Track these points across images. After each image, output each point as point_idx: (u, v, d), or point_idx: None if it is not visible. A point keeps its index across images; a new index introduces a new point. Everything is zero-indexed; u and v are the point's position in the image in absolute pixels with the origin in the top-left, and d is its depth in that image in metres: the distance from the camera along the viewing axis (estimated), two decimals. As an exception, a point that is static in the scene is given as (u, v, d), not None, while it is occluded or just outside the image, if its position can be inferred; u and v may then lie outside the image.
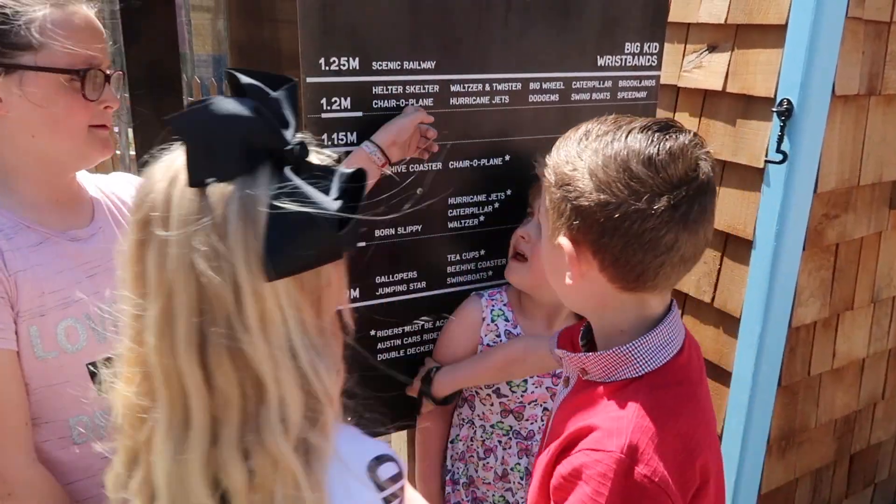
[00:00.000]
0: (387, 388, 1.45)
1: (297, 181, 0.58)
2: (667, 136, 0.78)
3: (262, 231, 0.57)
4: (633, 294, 0.81)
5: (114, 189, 1.14)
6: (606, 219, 0.77)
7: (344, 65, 1.22)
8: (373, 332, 1.42)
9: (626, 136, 0.79)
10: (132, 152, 4.22)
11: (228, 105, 0.59)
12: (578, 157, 0.81)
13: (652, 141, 0.78)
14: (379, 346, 1.44)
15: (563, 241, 0.81)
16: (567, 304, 0.93)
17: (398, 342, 1.45)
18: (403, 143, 1.25)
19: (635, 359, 0.81)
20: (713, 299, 1.94)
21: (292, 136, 0.62)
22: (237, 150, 0.59)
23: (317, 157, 0.65)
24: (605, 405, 0.81)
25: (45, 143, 0.99)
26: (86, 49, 0.96)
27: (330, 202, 0.58)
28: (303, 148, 0.61)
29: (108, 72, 1.01)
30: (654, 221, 0.76)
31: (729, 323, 1.92)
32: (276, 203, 0.57)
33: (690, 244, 0.78)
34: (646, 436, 0.75)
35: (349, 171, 0.62)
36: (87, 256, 1.02)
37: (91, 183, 1.12)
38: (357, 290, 1.37)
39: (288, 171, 0.59)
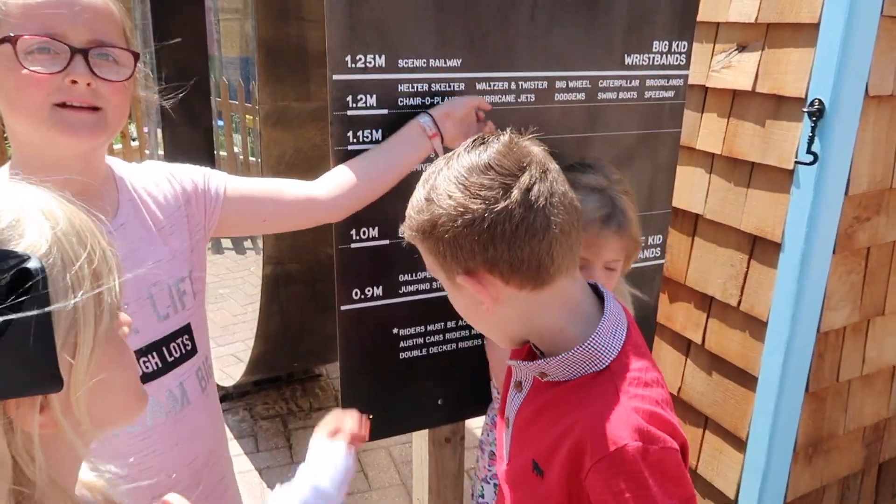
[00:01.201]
0: (408, 388, 1.46)
1: None
2: (488, 144, 0.84)
3: None
4: (546, 289, 0.84)
5: (144, 183, 1.10)
6: (481, 234, 0.80)
7: (370, 62, 1.22)
8: (395, 331, 1.42)
9: (456, 161, 0.84)
10: (161, 152, 4.28)
11: None
12: (428, 202, 0.84)
13: (478, 152, 0.83)
14: (402, 344, 1.44)
15: (460, 279, 0.84)
16: (499, 340, 0.93)
17: (420, 341, 1.45)
18: (458, 120, 1.25)
19: (599, 353, 0.83)
20: (740, 303, 1.91)
21: None
22: None
23: None
24: (583, 401, 0.83)
25: (12, 125, 0.92)
26: (44, 22, 0.88)
27: None
28: None
29: (80, 46, 0.91)
30: (519, 212, 0.80)
31: (755, 327, 1.89)
32: None
33: (561, 217, 0.82)
34: (643, 415, 0.79)
35: (20, 263, 0.45)
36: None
37: (124, 175, 1.08)
38: (380, 287, 1.37)
39: None
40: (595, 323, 0.85)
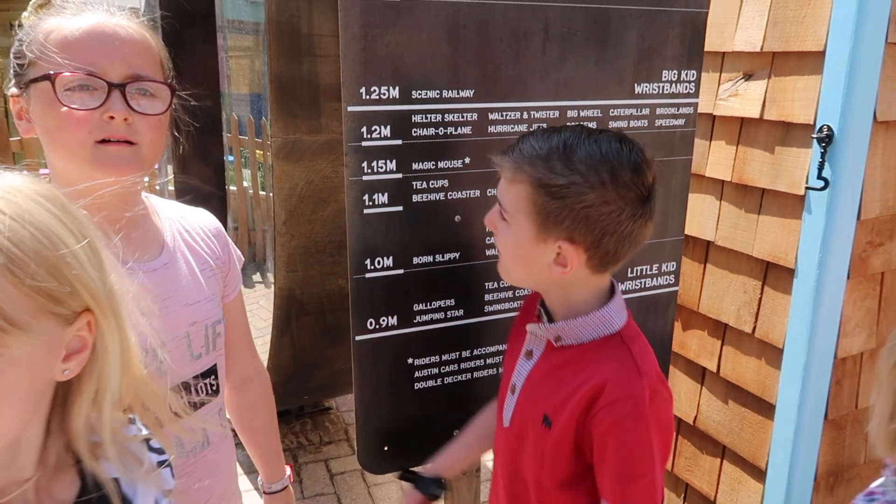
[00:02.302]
0: (423, 419, 1.45)
1: None
2: (634, 147, 0.96)
3: None
4: (600, 274, 0.99)
5: (191, 223, 1.10)
6: (611, 224, 0.92)
7: (384, 94, 1.24)
8: (410, 361, 1.42)
9: (606, 145, 0.93)
10: (171, 188, 4.33)
11: None
12: (569, 168, 0.92)
13: (630, 150, 0.94)
14: (416, 374, 1.43)
15: (560, 243, 0.94)
16: (523, 283, 1.10)
17: (435, 371, 1.44)
18: None
19: (612, 318, 0.99)
20: (754, 329, 1.90)
21: None
22: None
23: None
24: (599, 357, 0.97)
25: (53, 161, 0.94)
26: (82, 57, 0.89)
27: None
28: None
29: (118, 81, 0.92)
30: (642, 222, 0.94)
31: (771, 354, 1.87)
32: None
33: (646, 234, 0.97)
34: (648, 373, 0.95)
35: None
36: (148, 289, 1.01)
37: (166, 212, 1.08)
38: (395, 317, 1.37)
39: None
40: (606, 301, 1.00)
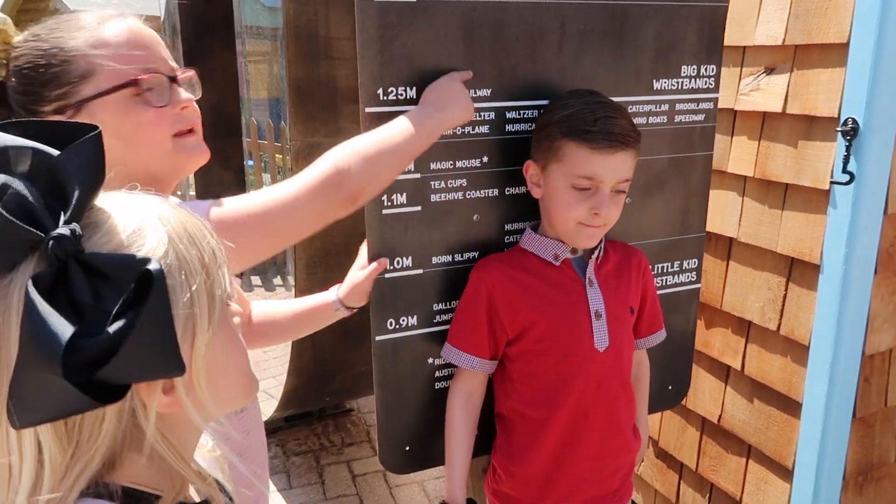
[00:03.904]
0: (444, 420, 1.44)
1: (33, 297, 0.46)
2: None
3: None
4: None
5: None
6: None
7: (402, 94, 1.24)
8: (430, 361, 1.42)
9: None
10: (192, 192, 4.38)
11: None
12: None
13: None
14: (437, 374, 1.43)
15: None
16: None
17: (455, 370, 1.44)
18: (361, 291, 1.31)
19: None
20: (779, 326, 1.87)
21: (72, 214, 0.50)
22: None
23: (119, 234, 0.54)
24: (620, 247, 1.40)
25: (135, 166, 0.92)
26: (134, 59, 0.92)
27: (60, 328, 0.46)
28: (67, 239, 0.49)
29: (172, 74, 0.96)
30: None
31: (797, 351, 1.84)
32: None
33: None
34: None
35: (143, 266, 0.50)
36: None
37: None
38: (415, 317, 1.37)
39: (25, 283, 0.47)
40: None
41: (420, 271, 1.36)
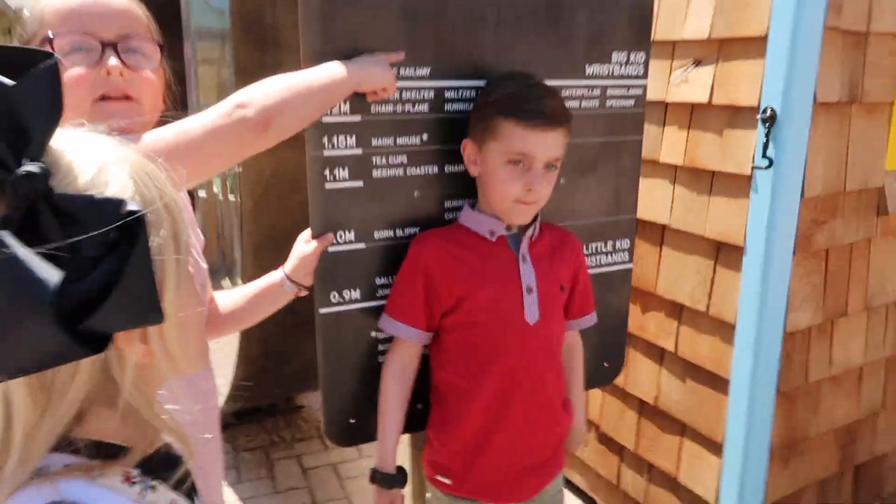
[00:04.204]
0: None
1: (8, 241, 0.42)
2: None
3: None
4: None
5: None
6: None
7: (343, 71, 1.28)
8: (373, 334, 1.45)
9: None
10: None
11: None
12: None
13: None
14: (379, 347, 1.47)
15: None
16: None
17: (399, 344, 1.48)
18: (307, 266, 1.35)
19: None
20: (708, 308, 1.97)
21: (33, 163, 0.46)
22: None
23: (83, 175, 0.50)
24: (553, 229, 1.46)
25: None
26: (76, 23, 0.97)
27: (46, 274, 0.42)
28: (38, 178, 0.45)
29: (108, 40, 0.99)
30: None
31: (725, 331, 1.94)
32: None
33: None
34: None
35: (121, 207, 0.47)
36: None
37: None
38: (358, 291, 1.41)
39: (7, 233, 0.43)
40: None
41: (363, 246, 1.40)
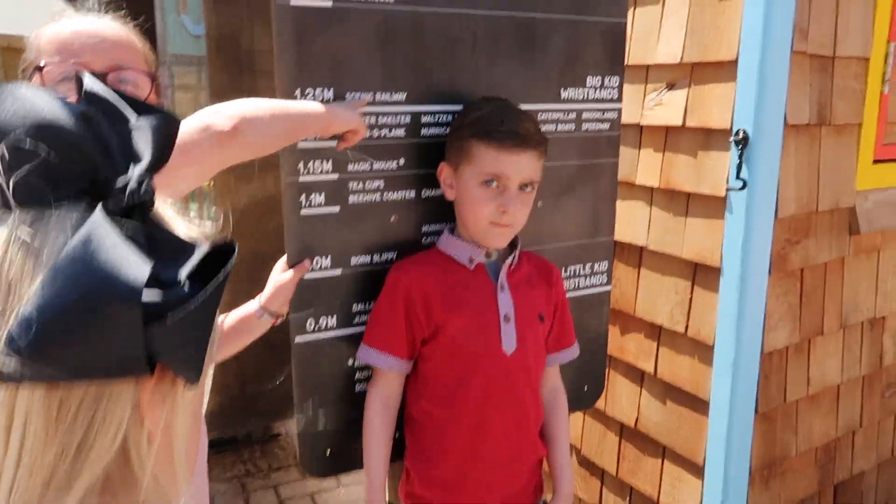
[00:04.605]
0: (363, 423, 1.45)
1: (111, 228, 0.39)
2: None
3: (30, 293, 0.38)
4: None
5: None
6: None
7: (319, 96, 1.28)
8: (350, 362, 1.43)
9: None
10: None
11: (30, 95, 0.42)
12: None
13: None
14: (357, 375, 1.44)
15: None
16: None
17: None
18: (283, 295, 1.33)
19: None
20: (687, 329, 1.97)
21: (138, 175, 0.44)
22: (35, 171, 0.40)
23: (174, 222, 0.49)
24: (532, 257, 1.46)
25: None
26: (69, 53, 1.00)
27: (138, 266, 0.39)
28: (145, 192, 0.43)
29: (99, 70, 1.01)
30: None
31: (703, 352, 1.94)
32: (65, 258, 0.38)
33: None
34: None
35: (211, 247, 0.45)
36: None
37: None
38: (334, 318, 1.39)
39: (102, 213, 0.40)
40: None
41: (339, 272, 1.38)
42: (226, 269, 0.43)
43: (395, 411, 1.40)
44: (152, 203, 0.45)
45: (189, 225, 0.50)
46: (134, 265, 0.38)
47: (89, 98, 0.45)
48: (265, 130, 1.14)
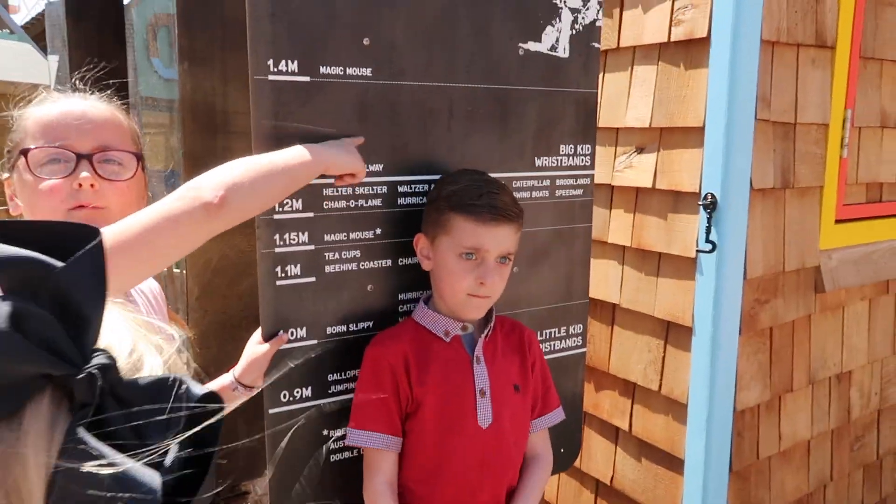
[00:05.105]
0: (341, 493, 1.43)
1: (84, 436, 0.39)
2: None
3: None
4: None
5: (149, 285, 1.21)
6: None
7: (296, 169, 1.28)
8: (325, 432, 1.41)
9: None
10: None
11: None
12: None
13: None
14: (332, 445, 1.42)
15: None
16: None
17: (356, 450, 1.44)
18: (258, 369, 1.31)
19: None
20: (660, 387, 1.98)
21: (91, 338, 0.42)
22: None
23: (120, 358, 0.46)
24: (505, 322, 1.44)
25: None
26: (55, 135, 1.02)
27: (149, 477, 0.40)
28: (109, 369, 0.42)
29: (84, 152, 1.03)
30: None
31: (677, 409, 1.96)
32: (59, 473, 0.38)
33: None
34: None
35: (198, 394, 0.45)
36: None
37: None
38: (309, 388, 1.37)
39: (65, 430, 0.39)
40: None
41: (314, 342, 1.37)
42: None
43: (396, 496, 1.32)
44: (110, 376, 0.43)
45: (134, 352, 0.49)
46: (145, 487, 0.39)
47: (13, 267, 0.40)
48: (256, 194, 1.10)
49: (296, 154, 1.17)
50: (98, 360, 0.41)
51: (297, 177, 1.17)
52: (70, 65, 3.02)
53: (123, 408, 0.42)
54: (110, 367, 0.42)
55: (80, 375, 0.40)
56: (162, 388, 0.44)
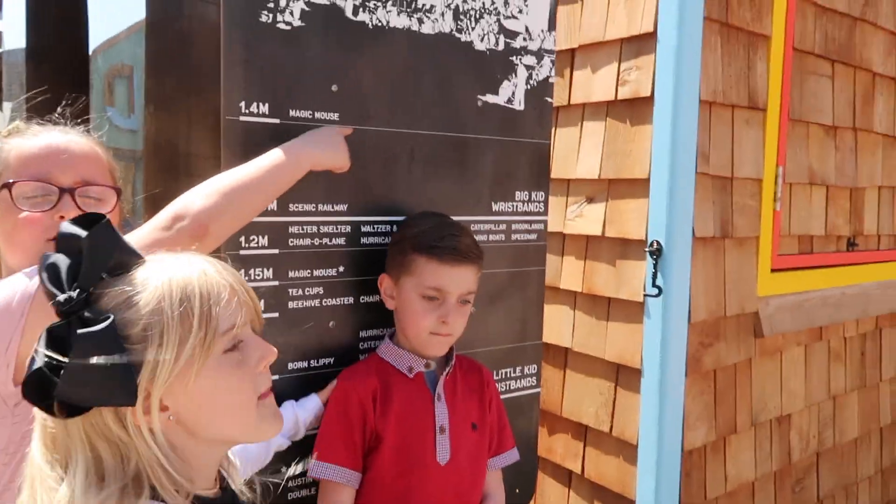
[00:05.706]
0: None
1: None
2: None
3: None
4: None
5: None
6: None
7: (263, 206, 1.32)
8: (283, 469, 1.41)
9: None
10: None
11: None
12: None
13: None
14: (290, 483, 1.42)
15: None
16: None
17: (311, 480, 1.44)
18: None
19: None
20: (611, 428, 2.04)
21: (82, 282, 0.71)
22: None
23: (117, 293, 0.72)
24: (463, 361, 1.48)
25: (8, 260, 1.06)
26: (37, 169, 1.05)
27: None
28: (76, 302, 0.70)
29: (66, 186, 1.06)
30: None
31: (628, 451, 2.01)
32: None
33: None
34: None
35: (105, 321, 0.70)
36: None
37: None
38: (269, 424, 1.38)
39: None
40: None
41: (276, 377, 1.38)
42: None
43: None
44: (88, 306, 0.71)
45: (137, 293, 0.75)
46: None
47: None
48: (239, 213, 1.14)
49: (278, 162, 1.21)
50: (70, 293, 0.72)
51: (278, 182, 1.22)
52: (27, 108, 3.01)
53: (83, 325, 0.71)
54: (77, 301, 0.71)
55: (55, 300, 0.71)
56: (101, 319, 0.71)
